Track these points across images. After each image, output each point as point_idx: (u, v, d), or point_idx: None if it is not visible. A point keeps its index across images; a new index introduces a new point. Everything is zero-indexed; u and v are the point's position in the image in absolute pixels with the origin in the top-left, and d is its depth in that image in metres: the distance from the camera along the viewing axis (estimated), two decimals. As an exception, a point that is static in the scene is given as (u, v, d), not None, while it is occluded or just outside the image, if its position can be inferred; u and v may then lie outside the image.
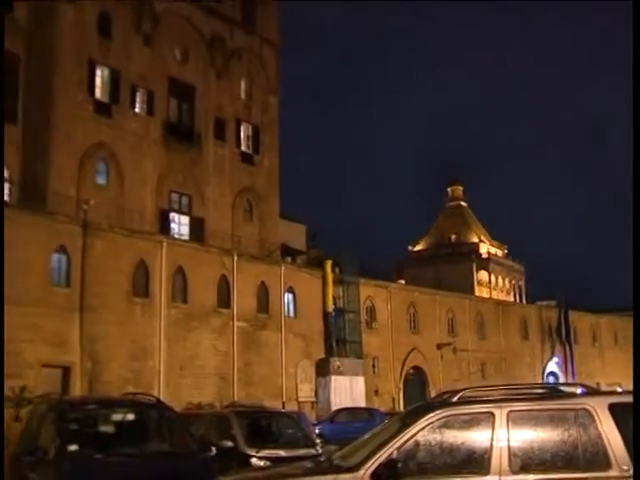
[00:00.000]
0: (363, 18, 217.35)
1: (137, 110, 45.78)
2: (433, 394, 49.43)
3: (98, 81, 44.04)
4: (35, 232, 32.68)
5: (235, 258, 41.52)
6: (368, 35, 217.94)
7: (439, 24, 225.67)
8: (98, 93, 43.96)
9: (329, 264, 46.93)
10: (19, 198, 38.88)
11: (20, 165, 40.71)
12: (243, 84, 53.07)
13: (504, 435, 6.62)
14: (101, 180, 43.28)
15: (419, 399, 46.91)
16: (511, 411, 6.73)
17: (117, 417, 11.99)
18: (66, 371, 33.04)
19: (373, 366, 49.08)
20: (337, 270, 47.71)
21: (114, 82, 44.74)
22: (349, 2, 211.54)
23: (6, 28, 40.87)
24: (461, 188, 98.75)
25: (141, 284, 36.90)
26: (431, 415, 6.77)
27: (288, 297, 44.46)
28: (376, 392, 48.42)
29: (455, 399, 7.09)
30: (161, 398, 21.12)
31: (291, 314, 44.47)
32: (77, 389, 32.67)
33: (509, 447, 6.57)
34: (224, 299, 40.53)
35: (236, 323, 40.66)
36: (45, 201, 38.22)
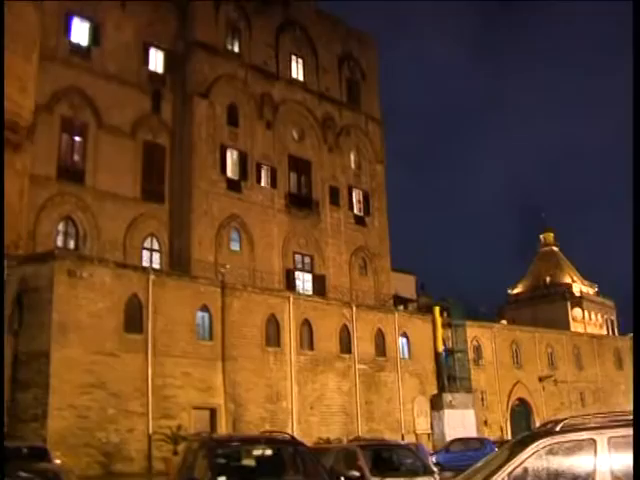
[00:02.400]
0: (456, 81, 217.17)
1: (262, 184, 46.77)
2: (537, 423, 47.94)
3: (229, 162, 45.33)
4: (182, 294, 33.48)
5: (354, 309, 41.47)
6: (458, 93, 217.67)
7: (524, 81, 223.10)
8: (229, 172, 45.20)
9: (437, 309, 46.36)
10: (169, 266, 40.14)
11: (168, 238, 42.09)
12: (352, 156, 53.64)
13: (606, 460, 6.35)
14: (235, 246, 44.19)
15: (525, 428, 45.66)
16: (611, 437, 6.46)
17: (257, 452, 12.08)
18: (213, 412, 33.44)
19: (482, 399, 47.97)
20: (445, 314, 47.09)
21: (242, 162, 45.96)
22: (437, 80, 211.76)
23: (155, 126, 42.92)
24: (552, 235, 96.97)
25: (273, 335, 37.15)
26: (537, 443, 6.58)
27: (402, 341, 43.99)
28: (485, 423, 47.20)
29: (558, 428, 6.86)
30: (294, 434, 21.16)
31: (406, 356, 43.94)
32: (223, 428, 33.00)
33: (611, 471, 6.32)
34: (346, 345, 40.41)
35: (357, 366, 40.44)
36: (189, 267, 39.27)
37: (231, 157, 45.59)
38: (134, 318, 31.11)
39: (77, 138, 39.76)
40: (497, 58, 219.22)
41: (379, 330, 42.51)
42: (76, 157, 39.62)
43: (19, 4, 32.81)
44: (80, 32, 40.90)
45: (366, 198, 53.44)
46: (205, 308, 34.40)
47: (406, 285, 58.48)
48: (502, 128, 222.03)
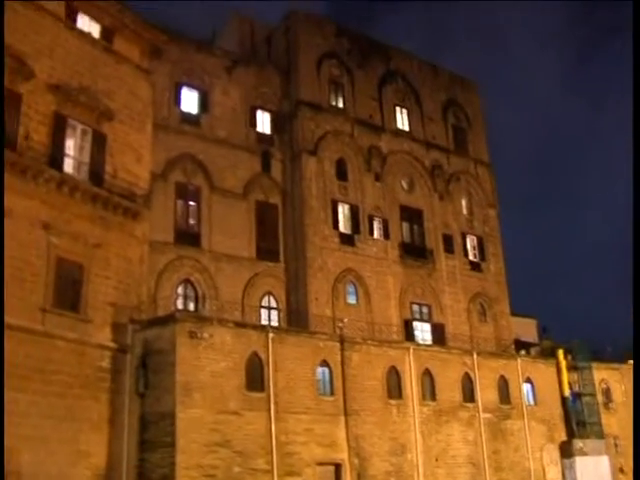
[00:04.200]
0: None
1: (375, 236, 46.94)
2: (680, 469, 45.27)
3: (340, 217, 45.80)
4: (302, 350, 33.70)
5: (475, 356, 40.65)
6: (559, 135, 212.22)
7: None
8: (341, 226, 45.64)
9: (561, 352, 44.74)
10: (287, 322, 40.68)
11: (285, 295, 42.72)
12: (464, 202, 53.24)
13: None
14: (351, 300, 44.36)
15: (667, 475, 43.02)
16: None
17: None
18: (337, 468, 33.24)
19: (615, 445, 45.57)
20: (569, 357, 45.47)
21: (354, 215, 46.39)
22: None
23: (266, 186, 44.07)
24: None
25: (394, 387, 36.79)
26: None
27: (527, 387, 42.66)
28: (621, 470, 44.75)
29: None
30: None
31: (531, 402, 42.54)
32: (348, 484, 32.82)
33: None
34: (469, 394, 39.58)
35: (482, 415, 39.48)
36: (307, 323, 39.65)
37: (342, 211, 46.11)
38: (255, 376, 31.54)
39: (191, 203, 41.18)
40: (597, 90, 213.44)
41: (502, 377, 41.45)
42: (191, 221, 40.97)
43: (133, 81, 34.68)
44: (190, 101, 42.76)
45: (480, 243, 52.78)
46: (325, 363, 34.47)
47: (527, 329, 57.02)
48: (617, 159, 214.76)
